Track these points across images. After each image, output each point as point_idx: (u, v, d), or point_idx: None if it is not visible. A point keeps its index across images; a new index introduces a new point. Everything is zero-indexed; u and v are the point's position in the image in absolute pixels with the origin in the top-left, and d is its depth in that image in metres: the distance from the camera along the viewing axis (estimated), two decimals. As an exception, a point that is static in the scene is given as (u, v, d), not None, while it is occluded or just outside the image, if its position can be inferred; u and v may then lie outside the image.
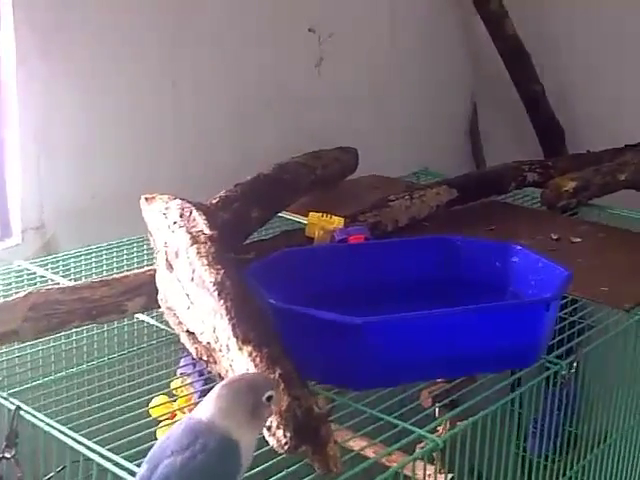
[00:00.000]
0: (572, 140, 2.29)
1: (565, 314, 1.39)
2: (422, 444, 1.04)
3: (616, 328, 1.37)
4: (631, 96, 2.20)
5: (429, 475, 1.08)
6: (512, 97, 2.31)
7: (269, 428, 0.89)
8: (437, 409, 1.18)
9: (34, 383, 1.16)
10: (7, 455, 1.02)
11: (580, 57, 2.28)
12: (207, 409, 0.87)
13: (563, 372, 1.25)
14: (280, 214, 1.56)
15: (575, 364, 1.27)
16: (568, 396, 1.38)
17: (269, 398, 0.88)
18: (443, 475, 1.19)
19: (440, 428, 1.07)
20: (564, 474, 1.39)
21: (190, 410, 1.17)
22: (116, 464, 0.94)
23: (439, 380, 1.19)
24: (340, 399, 1.14)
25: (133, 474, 0.91)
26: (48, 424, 1.01)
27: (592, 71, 2.26)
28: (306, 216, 1.46)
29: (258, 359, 0.94)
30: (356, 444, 1.15)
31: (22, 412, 1.03)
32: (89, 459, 0.96)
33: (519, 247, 1.31)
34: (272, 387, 0.89)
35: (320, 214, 1.44)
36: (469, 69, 2.45)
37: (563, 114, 2.29)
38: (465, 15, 2.35)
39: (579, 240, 1.65)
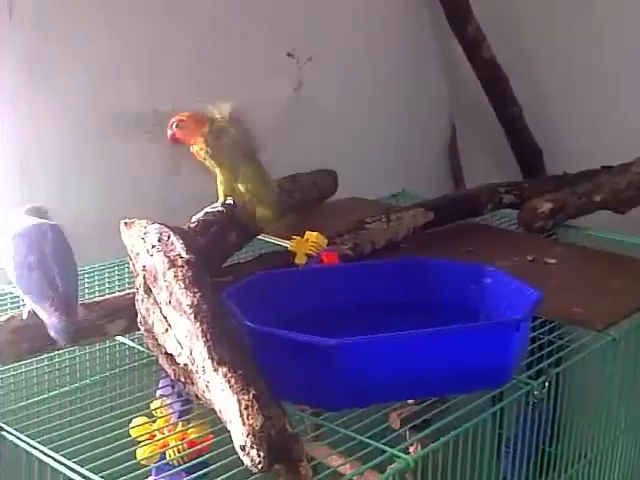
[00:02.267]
0: (550, 161, 2.33)
1: (540, 334, 1.41)
2: (394, 464, 1.07)
3: (590, 348, 1.39)
4: (608, 118, 2.23)
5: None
6: (490, 118, 2.35)
7: (243, 447, 0.92)
8: (407, 431, 1.20)
9: (16, 405, 1.18)
10: (-12, 475, 1.04)
11: (558, 79, 2.32)
12: None
13: (535, 392, 1.27)
14: (259, 236, 1.59)
15: (547, 384, 1.29)
16: (541, 416, 1.40)
17: None
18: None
19: (411, 448, 1.10)
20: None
21: (169, 430, 1.20)
22: (96, 483, 0.96)
23: (410, 402, 1.22)
24: (316, 420, 1.17)
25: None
26: (30, 444, 1.03)
27: (570, 93, 2.30)
28: (284, 238, 1.49)
29: (233, 380, 0.96)
30: (334, 462, 1.18)
31: (4, 433, 1.05)
32: (70, 479, 0.98)
33: (491, 268, 1.34)
34: None
35: (301, 238, 1.46)
36: (448, 91, 2.49)
37: (541, 136, 2.33)
38: (444, 38, 2.38)
39: (554, 261, 1.68)
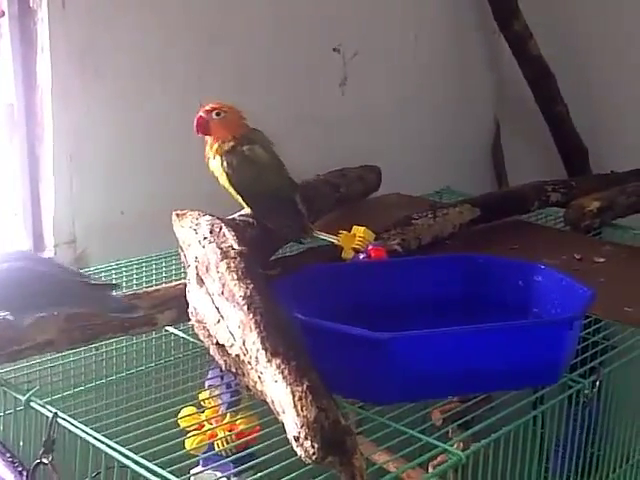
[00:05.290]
0: (596, 161, 2.31)
1: (588, 333, 1.40)
2: (437, 460, 1.06)
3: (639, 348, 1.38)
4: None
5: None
6: (536, 116, 2.33)
7: (297, 439, 0.91)
8: (450, 429, 1.20)
9: (69, 392, 1.19)
10: (45, 461, 1.04)
11: (605, 77, 2.29)
12: None
13: (585, 391, 1.26)
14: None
15: (597, 383, 1.28)
16: (590, 416, 1.38)
17: None
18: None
19: (455, 446, 1.09)
20: (586, 495, 1.40)
21: (218, 421, 1.20)
22: (150, 470, 0.97)
23: (454, 400, 1.21)
24: (364, 413, 1.17)
25: (165, 481, 0.94)
26: (84, 431, 1.04)
27: (617, 91, 2.27)
28: (331, 233, 1.48)
29: (286, 371, 0.96)
30: (380, 457, 1.18)
31: (59, 419, 1.06)
32: (124, 465, 0.98)
33: (542, 266, 1.32)
34: None
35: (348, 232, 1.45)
36: (493, 88, 2.48)
37: (587, 134, 2.31)
38: (489, 35, 2.37)
39: (602, 260, 1.66)
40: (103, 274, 1.51)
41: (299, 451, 0.92)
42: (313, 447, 0.90)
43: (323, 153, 1.93)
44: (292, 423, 0.92)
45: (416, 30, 2.21)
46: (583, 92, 2.32)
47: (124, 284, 1.50)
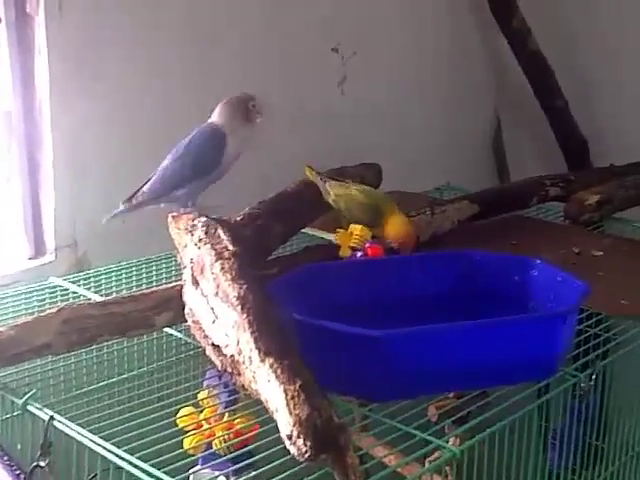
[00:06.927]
0: (596, 154, 2.31)
1: (586, 327, 1.40)
2: (434, 455, 1.07)
3: (637, 340, 1.38)
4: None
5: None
6: (536, 112, 2.34)
7: (290, 437, 0.92)
8: (447, 424, 1.20)
9: (67, 395, 1.20)
10: (41, 463, 1.05)
11: (604, 71, 2.29)
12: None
13: (582, 384, 1.26)
14: (303, 230, 1.60)
15: (594, 376, 1.29)
16: (588, 408, 1.39)
17: (253, 105, 1.34)
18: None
19: (451, 441, 1.10)
20: (588, 486, 1.41)
21: (216, 421, 1.21)
22: (145, 472, 0.98)
23: (450, 395, 1.22)
24: (361, 410, 1.18)
25: (161, 482, 0.95)
26: (80, 433, 1.05)
27: (616, 85, 2.28)
28: (328, 231, 1.49)
29: (279, 370, 0.97)
30: (378, 452, 1.19)
31: (55, 422, 1.07)
32: (119, 467, 0.99)
33: (538, 261, 1.33)
34: (254, 98, 1.34)
35: (345, 230, 1.46)
36: (493, 84, 2.48)
37: (587, 128, 2.31)
38: (489, 32, 2.37)
39: (601, 254, 1.67)
40: (104, 276, 1.53)
41: (292, 449, 0.92)
42: (306, 445, 0.91)
43: (323, 152, 1.93)
44: (285, 421, 0.93)
45: (414, 28, 2.21)
46: (583, 86, 2.32)
47: (124, 285, 1.51)
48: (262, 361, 0.99)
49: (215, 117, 1.37)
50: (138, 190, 1.36)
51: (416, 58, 2.22)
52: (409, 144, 2.21)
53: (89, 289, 1.47)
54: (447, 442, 1.08)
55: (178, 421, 1.18)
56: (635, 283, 1.55)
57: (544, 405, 1.32)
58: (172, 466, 1.00)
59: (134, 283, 1.52)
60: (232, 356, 1.05)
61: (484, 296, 1.31)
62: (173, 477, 0.97)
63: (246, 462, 1.08)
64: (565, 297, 1.21)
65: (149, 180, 1.37)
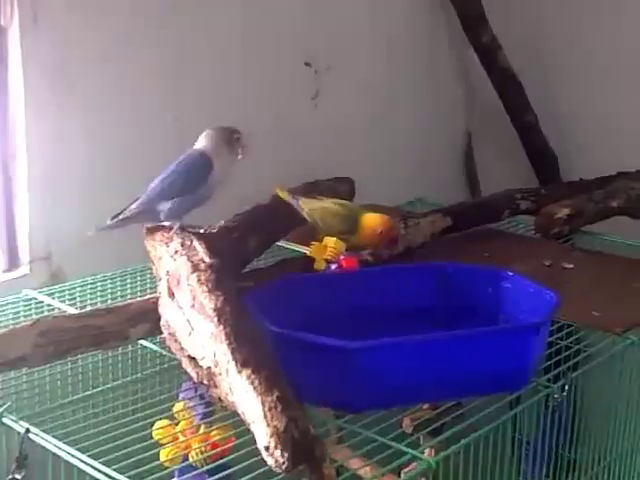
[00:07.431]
0: (566, 168, 2.34)
1: (558, 339, 1.42)
2: (409, 467, 1.08)
3: (609, 352, 1.40)
4: (623, 124, 2.24)
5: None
6: (506, 126, 2.36)
7: (267, 448, 0.93)
8: (421, 436, 1.21)
9: (42, 407, 1.20)
10: (17, 476, 1.05)
11: (574, 86, 2.33)
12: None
13: (555, 395, 1.28)
14: (278, 243, 1.61)
15: (566, 387, 1.30)
16: (561, 419, 1.41)
17: (238, 138, 1.40)
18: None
19: (426, 452, 1.11)
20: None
21: (192, 433, 1.22)
22: (119, 482, 0.98)
23: (424, 407, 1.23)
24: (336, 422, 1.18)
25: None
26: (56, 446, 1.05)
27: (585, 100, 2.31)
28: (303, 244, 1.50)
29: (256, 382, 0.98)
30: (355, 464, 1.19)
31: (31, 434, 1.07)
32: (95, 479, 0.99)
33: (510, 273, 1.35)
34: (239, 132, 1.41)
35: (319, 243, 1.47)
36: (464, 99, 2.50)
37: (556, 143, 2.34)
38: (460, 47, 2.40)
39: (571, 266, 1.69)
40: (78, 289, 1.52)
41: (269, 460, 0.93)
42: (283, 456, 0.92)
43: (296, 166, 1.94)
44: (262, 433, 0.94)
45: (387, 43, 2.23)
46: (552, 101, 2.35)
47: (99, 298, 1.51)
48: (239, 373, 1.00)
49: (201, 143, 1.40)
50: (126, 207, 1.37)
51: (388, 73, 2.24)
52: (382, 158, 2.22)
53: (64, 302, 1.47)
54: (422, 453, 1.09)
55: (154, 434, 1.18)
56: (605, 295, 1.57)
57: (517, 417, 1.33)
58: (149, 478, 1.00)
59: (109, 296, 1.51)
60: (208, 368, 1.06)
61: (458, 307, 1.33)
62: (150, 489, 0.97)
63: (223, 474, 1.08)
64: (537, 309, 1.23)
65: (137, 199, 1.37)
